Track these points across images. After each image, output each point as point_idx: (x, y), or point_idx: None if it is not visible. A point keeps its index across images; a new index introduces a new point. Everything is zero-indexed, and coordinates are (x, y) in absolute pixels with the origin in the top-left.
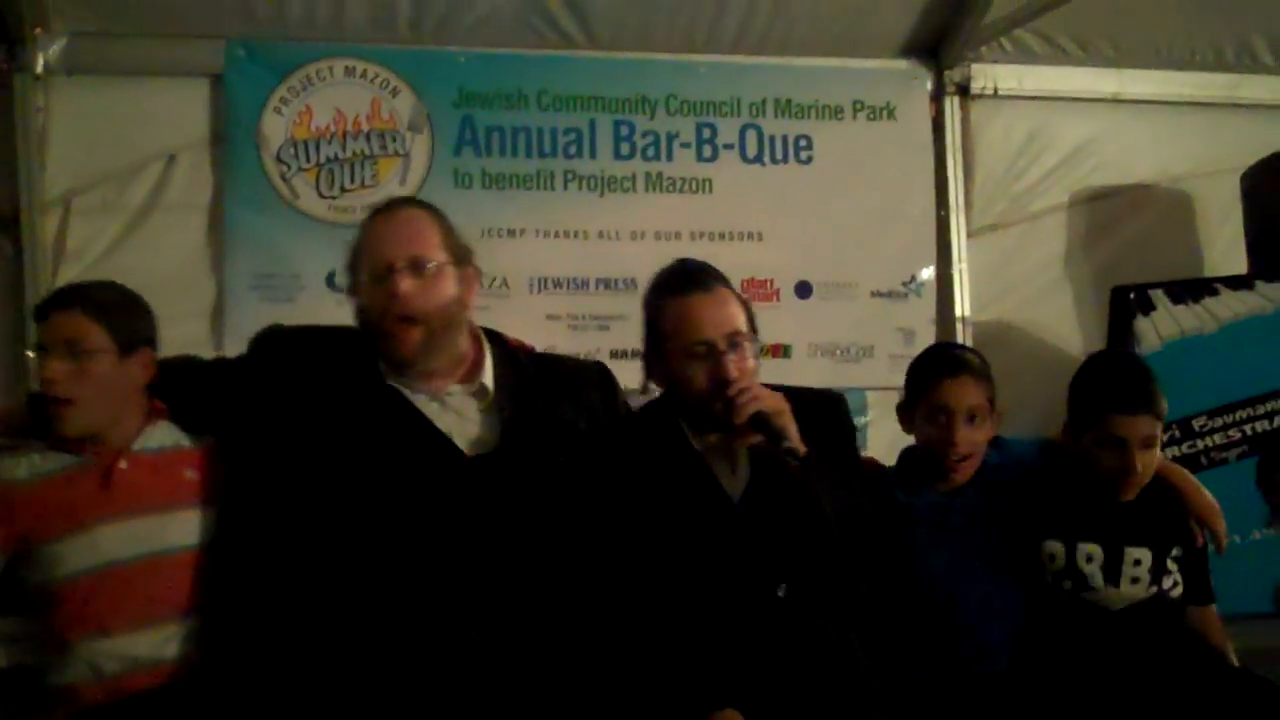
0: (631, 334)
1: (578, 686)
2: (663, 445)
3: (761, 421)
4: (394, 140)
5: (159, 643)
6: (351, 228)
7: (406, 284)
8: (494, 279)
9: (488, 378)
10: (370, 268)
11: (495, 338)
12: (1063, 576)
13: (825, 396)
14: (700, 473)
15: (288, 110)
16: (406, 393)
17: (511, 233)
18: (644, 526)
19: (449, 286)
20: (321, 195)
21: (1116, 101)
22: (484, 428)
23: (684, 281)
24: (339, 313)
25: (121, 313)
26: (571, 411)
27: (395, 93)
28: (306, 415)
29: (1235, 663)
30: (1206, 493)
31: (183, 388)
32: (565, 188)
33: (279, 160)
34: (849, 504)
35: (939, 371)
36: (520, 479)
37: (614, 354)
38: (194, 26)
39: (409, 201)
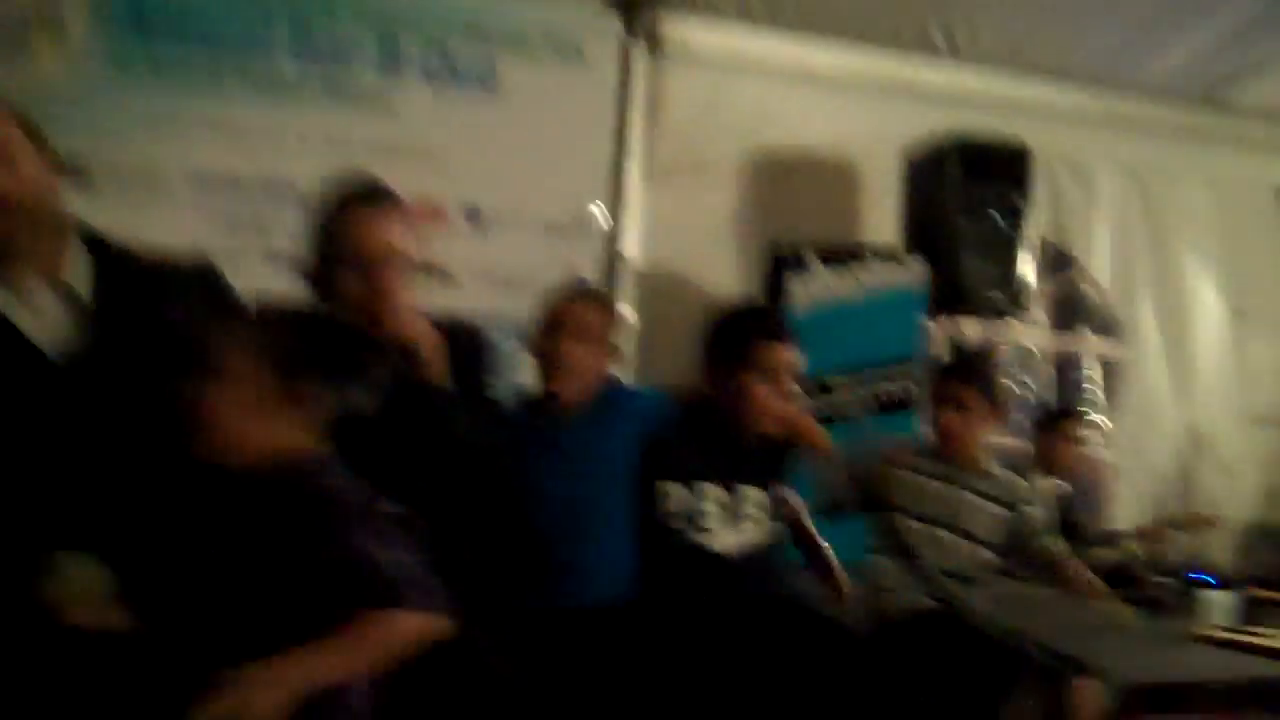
0: (289, 238)
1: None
2: None
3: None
4: (49, 5)
5: None
6: None
7: None
8: (148, 172)
9: (70, 274)
10: None
11: (95, 238)
12: (676, 516)
13: (465, 325)
14: None
15: None
16: None
17: (171, 124)
18: None
19: (33, 167)
20: None
21: (797, 70)
22: (67, 327)
23: (364, 195)
24: None
25: None
26: (180, 314)
27: None
28: None
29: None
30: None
31: None
32: (235, 83)
33: None
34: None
35: (564, 296)
36: (104, 382)
37: (268, 256)
38: None
39: None
